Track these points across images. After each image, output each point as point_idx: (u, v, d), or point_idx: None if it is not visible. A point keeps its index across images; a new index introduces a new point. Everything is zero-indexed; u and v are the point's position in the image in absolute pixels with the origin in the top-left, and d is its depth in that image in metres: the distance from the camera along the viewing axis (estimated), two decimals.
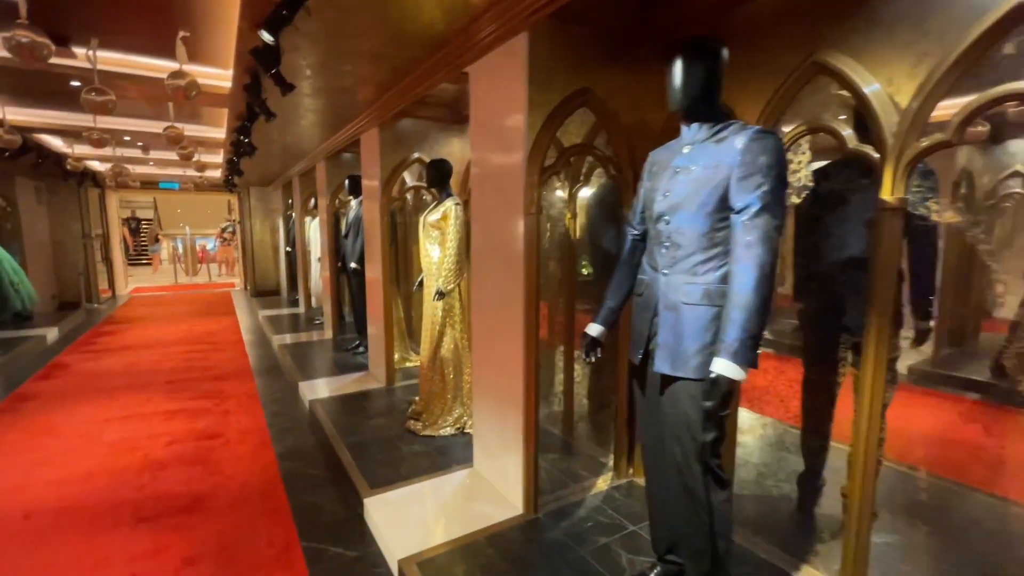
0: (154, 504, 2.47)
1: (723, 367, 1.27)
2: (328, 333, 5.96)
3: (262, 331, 6.62)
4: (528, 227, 2.06)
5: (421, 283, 3.40)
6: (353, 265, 4.78)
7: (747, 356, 1.26)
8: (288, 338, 5.82)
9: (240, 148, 4.36)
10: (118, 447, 3.11)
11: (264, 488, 2.62)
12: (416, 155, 3.95)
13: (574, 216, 2.90)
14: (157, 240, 15.92)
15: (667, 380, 1.45)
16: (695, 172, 1.39)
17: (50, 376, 4.66)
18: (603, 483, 2.48)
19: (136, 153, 6.53)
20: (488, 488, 2.43)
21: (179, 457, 2.97)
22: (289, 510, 2.41)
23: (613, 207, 2.98)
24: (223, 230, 14.94)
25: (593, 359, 1.71)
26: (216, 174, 8.76)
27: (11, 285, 6.41)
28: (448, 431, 3.10)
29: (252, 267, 10.01)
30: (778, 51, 1.78)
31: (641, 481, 2.50)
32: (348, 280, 5.22)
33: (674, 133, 2.32)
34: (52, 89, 3.41)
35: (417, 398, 3.51)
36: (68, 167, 6.07)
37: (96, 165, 7.84)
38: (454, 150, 4.11)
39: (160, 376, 4.61)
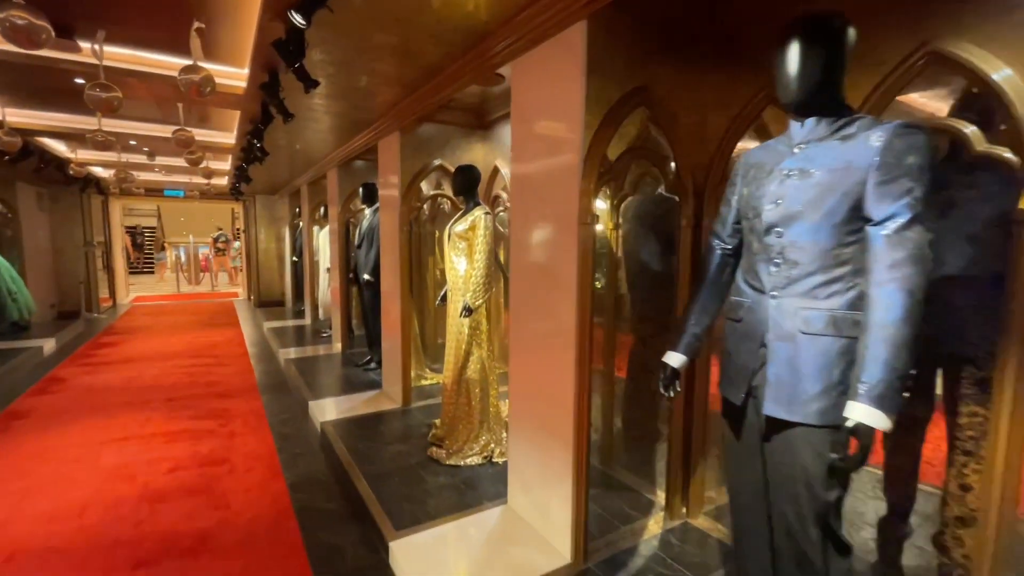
0: (153, 544, 2.21)
1: (863, 414, 1.03)
2: (336, 346, 5.72)
3: (267, 344, 6.38)
4: (582, 239, 1.83)
5: (444, 296, 3.17)
6: (366, 277, 4.55)
7: (894, 401, 1.02)
8: (295, 352, 5.57)
9: (251, 153, 4.15)
10: (115, 474, 2.85)
11: (276, 525, 2.36)
12: (437, 162, 3.74)
13: (616, 228, 2.67)
14: (163, 248, 15.74)
15: (777, 424, 1.21)
16: (816, 176, 1.15)
17: (45, 391, 4.40)
18: (655, 525, 2.22)
19: (141, 159, 6.34)
20: (527, 530, 2.17)
21: (181, 486, 2.71)
22: (304, 552, 2.15)
23: (657, 219, 2.76)
24: (216, 240, 14.69)
25: (672, 394, 1.46)
26: (222, 181, 8.57)
27: (8, 294, 6.18)
28: (475, 460, 2.84)
29: (256, 277, 9.79)
30: (878, 41, 1.56)
31: (697, 523, 2.24)
32: (359, 292, 4.99)
33: (735, 137, 2.13)
34: (55, 87, 3.21)
35: (437, 421, 3.25)
36: (71, 172, 5.87)
37: (100, 171, 7.65)
38: (477, 156, 3.91)
39: (161, 392, 4.35)
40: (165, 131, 4.51)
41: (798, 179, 1.18)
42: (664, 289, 2.78)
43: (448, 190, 4.21)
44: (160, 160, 6.48)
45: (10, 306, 6.19)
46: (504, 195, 3.79)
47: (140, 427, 3.55)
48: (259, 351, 6.01)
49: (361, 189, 4.74)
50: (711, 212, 2.12)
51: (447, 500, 2.46)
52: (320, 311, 6.79)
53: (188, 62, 2.47)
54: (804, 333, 1.16)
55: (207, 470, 2.90)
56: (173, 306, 10.08)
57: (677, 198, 2.82)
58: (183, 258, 14.43)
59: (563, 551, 1.99)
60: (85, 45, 2.62)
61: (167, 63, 2.84)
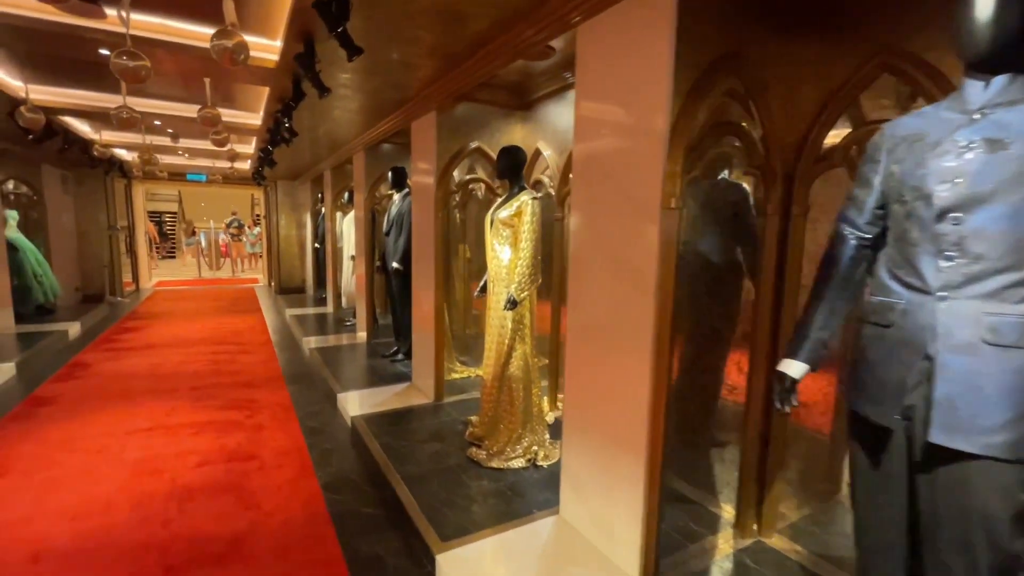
0: (183, 547, 2.07)
1: None
2: (361, 336, 5.58)
3: (290, 331, 6.27)
4: (665, 227, 1.61)
5: (484, 287, 2.97)
6: (395, 265, 4.37)
7: None
8: (319, 340, 5.44)
9: (278, 134, 3.98)
10: (141, 467, 2.73)
11: (310, 530, 2.21)
12: (475, 144, 3.52)
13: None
14: (193, 233, 15.70)
15: (944, 454, 0.99)
16: (1016, 148, 0.92)
17: (70, 376, 4.33)
18: (724, 544, 2.02)
19: (165, 141, 6.22)
20: (585, 546, 1.98)
21: (209, 483, 2.58)
22: (343, 562, 1.99)
23: (727, 206, 2.52)
24: (228, 225, 14.59)
25: (788, 408, 1.25)
26: (244, 166, 8.46)
27: (34, 277, 6.15)
28: (518, 463, 2.66)
29: (277, 263, 9.71)
30: None
31: (771, 542, 2.03)
32: (387, 280, 4.82)
33: (835, 112, 1.88)
34: (79, 60, 3.05)
35: (474, 418, 3.08)
36: (95, 154, 5.78)
37: (123, 154, 7.57)
38: (516, 138, 3.68)
39: (185, 380, 4.25)
40: (190, 111, 4.36)
41: (986, 152, 0.95)
42: (732, 284, 2.55)
43: (482, 174, 4.00)
44: (184, 143, 6.36)
45: (36, 289, 6.16)
46: (547, 180, 3.56)
47: (165, 417, 3.44)
48: (282, 339, 5.91)
49: (391, 173, 4.55)
50: (801, 198, 1.88)
51: (493, 507, 2.28)
52: (343, 299, 6.66)
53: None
54: (990, 344, 0.93)
55: (235, 466, 2.77)
56: (195, 291, 10.07)
57: (744, 184, 2.58)
58: (203, 243, 14.43)
59: (630, 572, 1.79)
60: (111, 13, 2.44)
61: (195, 33, 2.66)
